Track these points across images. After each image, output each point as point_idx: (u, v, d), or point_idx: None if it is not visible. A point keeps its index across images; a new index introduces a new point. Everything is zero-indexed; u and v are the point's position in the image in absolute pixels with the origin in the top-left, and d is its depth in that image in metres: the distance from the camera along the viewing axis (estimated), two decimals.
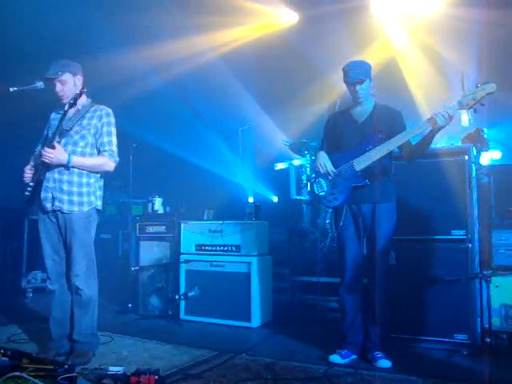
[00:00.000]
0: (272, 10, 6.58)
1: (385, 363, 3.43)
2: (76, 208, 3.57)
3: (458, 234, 3.81)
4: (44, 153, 3.42)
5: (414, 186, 3.96)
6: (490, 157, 5.75)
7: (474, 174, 3.82)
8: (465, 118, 5.25)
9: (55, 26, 5.76)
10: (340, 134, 3.76)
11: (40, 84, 3.59)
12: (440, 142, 4.05)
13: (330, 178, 3.69)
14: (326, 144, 3.88)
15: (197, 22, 6.29)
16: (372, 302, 3.60)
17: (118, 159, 3.73)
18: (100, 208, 3.77)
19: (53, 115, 3.81)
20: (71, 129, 3.57)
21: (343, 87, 3.82)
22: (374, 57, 6.38)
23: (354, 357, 3.60)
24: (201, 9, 6.08)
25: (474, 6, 5.57)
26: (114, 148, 3.71)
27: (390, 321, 3.68)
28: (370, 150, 3.48)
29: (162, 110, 7.49)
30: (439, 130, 3.29)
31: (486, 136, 4.33)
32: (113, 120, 3.75)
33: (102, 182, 3.81)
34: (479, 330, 3.72)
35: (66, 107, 3.53)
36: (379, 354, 3.50)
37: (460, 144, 4.26)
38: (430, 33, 6.25)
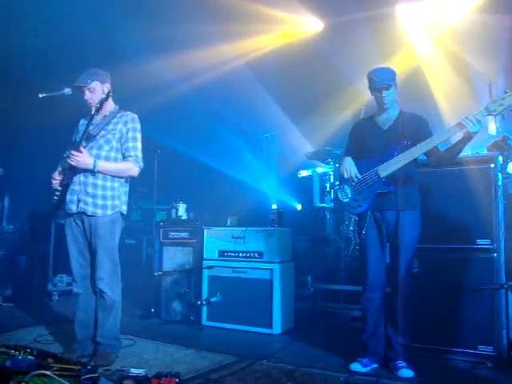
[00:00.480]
0: (297, 18, 6.61)
1: (407, 373, 3.39)
2: (99, 211, 3.64)
3: (483, 243, 3.74)
4: (71, 155, 3.51)
5: (438, 193, 3.92)
6: None
7: (500, 182, 3.75)
8: (492, 126, 5.19)
9: (85, 36, 5.91)
10: (365, 141, 3.74)
11: (68, 90, 3.68)
12: (465, 150, 3.99)
13: (353, 183, 3.67)
14: (351, 150, 3.85)
15: (223, 30, 6.36)
16: (395, 310, 3.56)
17: (142, 165, 3.79)
18: (125, 213, 3.83)
19: (81, 121, 3.91)
20: (97, 134, 3.65)
21: (368, 95, 3.82)
22: (399, 65, 6.37)
23: (375, 365, 3.56)
24: (227, 17, 6.15)
25: (501, 12, 5.51)
26: (139, 153, 3.77)
27: (414, 330, 3.63)
28: (395, 156, 3.47)
29: (188, 117, 7.59)
30: (471, 137, 3.25)
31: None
32: (138, 126, 3.81)
33: (127, 188, 3.87)
34: (505, 342, 3.63)
35: (93, 110, 3.61)
36: (401, 364, 3.45)
37: (486, 152, 4.20)
38: (455, 40, 6.20)
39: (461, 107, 5.99)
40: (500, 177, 3.77)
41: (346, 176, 3.70)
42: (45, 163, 6.31)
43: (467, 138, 3.27)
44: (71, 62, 3.95)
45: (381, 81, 3.53)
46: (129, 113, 3.82)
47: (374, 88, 3.58)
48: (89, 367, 2.85)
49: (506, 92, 3.12)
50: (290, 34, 6.87)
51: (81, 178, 3.64)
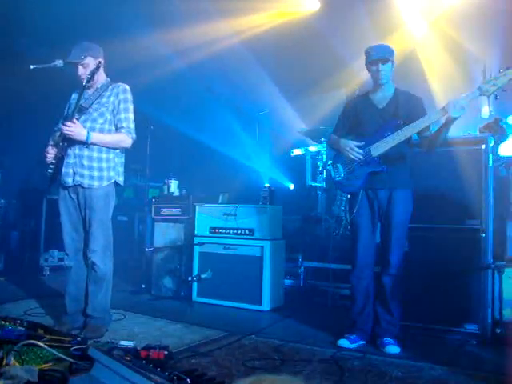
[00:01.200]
0: None
1: (393, 349, 3.44)
2: (96, 183, 3.65)
3: (472, 223, 3.78)
4: (64, 127, 3.50)
5: (429, 173, 3.94)
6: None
7: (490, 164, 3.77)
8: (485, 109, 5.19)
9: (81, 8, 5.83)
10: (359, 119, 3.73)
11: (59, 62, 3.64)
12: (457, 132, 4.00)
13: (348, 163, 3.67)
14: (343, 128, 3.84)
15: (220, 6, 6.31)
16: (384, 289, 3.60)
17: (135, 136, 3.79)
18: (122, 184, 3.85)
19: (73, 95, 3.89)
20: (90, 106, 3.63)
21: (363, 75, 3.82)
22: (395, 46, 6.33)
23: (362, 342, 3.61)
24: None
25: None
26: (131, 125, 3.76)
27: (402, 309, 3.68)
28: (387, 136, 3.46)
29: (182, 93, 7.53)
30: (453, 120, 3.24)
31: (504, 126, 4.26)
32: (130, 96, 3.79)
33: (123, 159, 3.88)
34: (489, 321, 3.69)
35: (84, 82, 3.59)
36: (388, 340, 3.51)
37: (478, 133, 4.21)
38: (451, 23, 6.16)
39: (454, 90, 5.98)
40: (491, 158, 3.78)
41: (352, 157, 3.60)
42: (36, 137, 6.27)
43: (450, 121, 3.26)
44: (66, 34, 3.90)
45: (378, 54, 3.53)
46: (120, 84, 3.80)
47: (370, 61, 3.56)
48: (78, 339, 2.88)
49: (499, 71, 3.12)
50: (286, 13, 6.84)
51: (76, 150, 3.64)
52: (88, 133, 3.55)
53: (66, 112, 3.86)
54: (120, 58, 5.38)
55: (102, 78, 3.79)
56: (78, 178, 3.63)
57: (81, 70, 3.67)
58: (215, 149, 7.73)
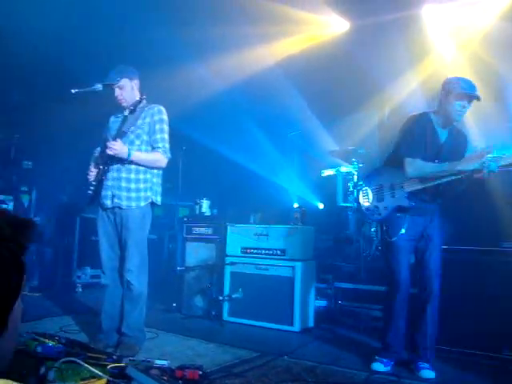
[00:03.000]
0: (323, 19, 6.63)
1: (429, 374, 3.39)
2: (134, 203, 3.73)
3: (508, 246, 3.72)
4: (109, 144, 3.59)
5: (464, 194, 3.87)
6: None
7: None
8: None
9: (125, 37, 6.04)
10: (424, 144, 3.49)
11: (98, 86, 3.76)
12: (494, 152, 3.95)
13: (379, 192, 3.68)
14: (421, 149, 3.48)
15: (256, 31, 6.42)
16: (425, 315, 3.53)
17: (170, 156, 3.88)
18: (159, 203, 3.92)
19: (112, 119, 3.99)
20: (128, 129, 3.72)
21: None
22: (426, 69, 6.37)
23: (392, 363, 3.57)
24: (260, 18, 6.21)
25: None
26: (167, 145, 3.85)
27: (439, 332, 3.62)
28: None
29: (215, 113, 7.62)
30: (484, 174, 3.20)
31: None
32: (165, 117, 3.88)
33: (159, 178, 3.95)
34: None
35: (127, 112, 3.75)
36: (423, 365, 3.45)
37: None
38: (483, 46, 6.13)
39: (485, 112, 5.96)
40: None
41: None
42: (71, 157, 6.45)
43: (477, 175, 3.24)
44: (111, 62, 4.06)
45: (471, 90, 3.31)
46: (155, 105, 3.88)
47: (459, 93, 3.32)
48: (114, 357, 2.92)
49: None
50: (317, 35, 6.89)
51: (114, 174, 3.75)
52: (129, 149, 3.66)
53: (104, 135, 3.97)
54: (161, 81, 5.58)
55: (137, 99, 3.89)
56: (116, 200, 3.73)
57: (117, 91, 3.79)
58: (247, 168, 7.78)
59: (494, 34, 5.87)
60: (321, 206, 7.62)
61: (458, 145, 3.56)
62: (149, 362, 2.92)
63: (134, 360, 3.00)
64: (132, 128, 3.75)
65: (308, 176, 7.85)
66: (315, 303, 5.01)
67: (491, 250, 3.79)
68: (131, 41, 6.02)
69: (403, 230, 3.51)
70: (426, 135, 3.49)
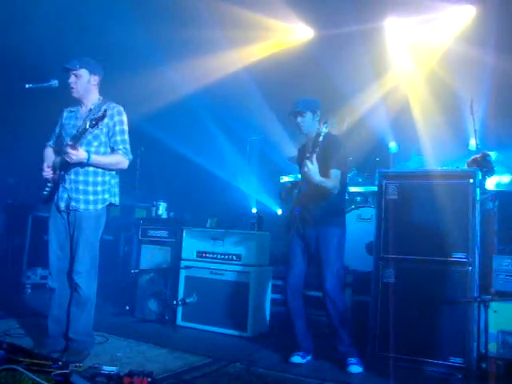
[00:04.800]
0: (290, 27, 6.68)
1: (356, 369, 3.66)
2: (91, 206, 3.64)
3: (458, 256, 3.81)
4: (68, 152, 3.45)
5: (417, 205, 3.98)
6: (497, 181, 5.78)
7: (477, 197, 3.82)
8: (472, 142, 5.29)
9: (98, 35, 5.93)
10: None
11: (55, 82, 3.64)
12: (446, 165, 4.07)
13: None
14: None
15: (224, 35, 6.42)
16: (333, 316, 3.85)
17: (131, 157, 3.81)
18: (117, 203, 3.84)
19: (65, 114, 3.86)
20: (86, 131, 3.58)
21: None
22: (388, 83, 6.51)
23: (309, 357, 3.94)
24: (229, 23, 6.23)
25: (479, 44, 5.68)
26: (128, 146, 3.77)
27: (385, 340, 3.81)
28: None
29: (180, 116, 7.53)
30: None
31: (491, 161, 4.34)
32: (125, 118, 3.79)
33: (118, 179, 3.87)
34: (475, 355, 3.69)
35: (83, 110, 3.70)
36: (351, 360, 3.71)
37: (466, 167, 4.27)
38: (439, 64, 6.32)
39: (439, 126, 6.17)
40: (478, 192, 3.83)
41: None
42: (22, 155, 6.23)
43: None
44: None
45: (294, 108, 4.01)
46: (114, 105, 3.78)
47: (289, 114, 4.07)
48: (60, 363, 2.82)
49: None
50: (283, 42, 6.94)
51: (71, 176, 3.64)
52: (88, 154, 3.55)
53: (57, 130, 3.85)
54: (127, 80, 5.48)
55: (95, 97, 3.79)
56: (73, 203, 3.62)
57: (73, 78, 3.67)
58: (207, 172, 7.73)
59: (451, 53, 6.06)
60: (279, 211, 7.64)
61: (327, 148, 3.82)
62: (96, 368, 2.83)
63: (80, 366, 2.90)
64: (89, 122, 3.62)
65: (268, 181, 7.86)
66: (270, 309, 5.00)
67: (443, 260, 3.86)
68: (99, 40, 5.92)
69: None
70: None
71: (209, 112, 7.81)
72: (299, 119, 3.96)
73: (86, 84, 3.69)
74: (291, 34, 6.78)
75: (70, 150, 3.46)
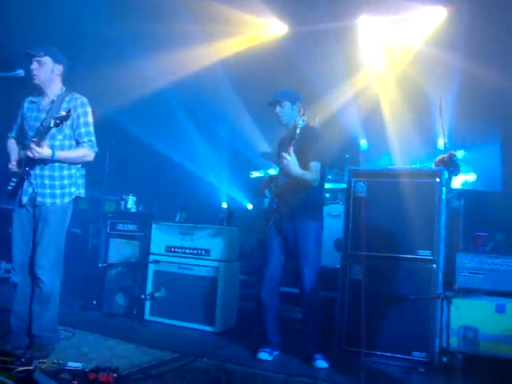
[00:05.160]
0: (264, 22, 6.67)
1: (322, 364, 3.74)
2: (58, 200, 3.57)
3: (424, 254, 3.89)
4: (32, 149, 3.38)
5: (385, 203, 4.04)
6: (464, 179, 5.93)
7: (443, 196, 3.90)
8: (441, 141, 5.40)
9: (70, 30, 5.82)
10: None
11: (21, 72, 3.53)
12: (414, 164, 4.14)
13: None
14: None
15: (199, 29, 6.37)
16: (306, 310, 3.96)
17: (97, 149, 3.73)
18: (83, 195, 3.77)
19: (26, 105, 3.74)
20: (50, 126, 3.48)
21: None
22: (360, 82, 6.57)
23: (276, 353, 3.95)
24: (203, 17, 6.17)
25: (448, 48, 5.79)
26: (93, 138, 3.69)
27: (352, 335, 3.89)
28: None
29: (152, 109, 7.44)
30: None
31: (457, 161, 4.43)
32: (89, 109, 3.70)
33: (83, 171, 3.80)
34: (437, 349, 3.79)
35: (46, 101, 3.58)
36: (317, 356, 3.78)
37: (433, 166, 4.35)
38: (410, 65, 6.42)
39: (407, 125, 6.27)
40: (444, 191, 3.91)
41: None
42: None
43: None
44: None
45: (273, 97, 4.00)
46: (77, 96, 3.69)
47: (269, 105, 4.05)
48: (23, 360, 2.76)
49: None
50: (257, 37, 6.92)
51: (37, 170, 3.55)
52: (53, 151, 3.47)
53: (19, 121, 3.75)
54: (101, 72, 5.51)
55: (57, 87, 3.69)
56: (39, 198, 3.54)
57: (35, 65, 3.55)
58: (177, 165, 7.66)
59: (422, 54, 6.16)
60: (250, 206, 7.65)
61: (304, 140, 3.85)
62: (60, 364, 2.80)
63: (44, 362, 2.87)
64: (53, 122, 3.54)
65: (239, 176, 7.86)
66: (238, 304, 5.01)
67: (409, 257, 3.93)
68: (71, 31, 5.80)
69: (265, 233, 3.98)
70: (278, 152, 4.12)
71: (181, 106, 7.75)
72: (278, 109, 3.95)
73: (48, 72, 3.59)
74: (265, 29, 6.76)
75: (34, 147, 3.38)
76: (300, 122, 3.86)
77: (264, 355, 3.84)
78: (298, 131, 3.76)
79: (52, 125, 3.36)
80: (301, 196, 3.85)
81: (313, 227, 3.91)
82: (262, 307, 3.98)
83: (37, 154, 3.39)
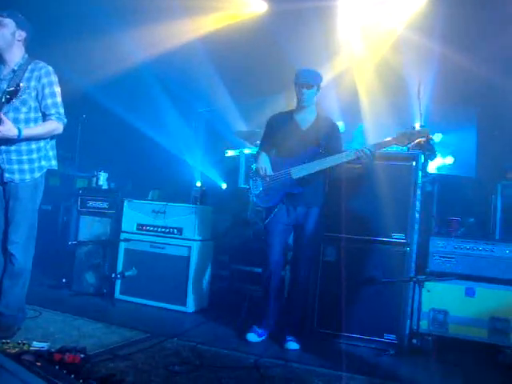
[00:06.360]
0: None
1: (293, 345, 3.76)
2: (28, 176, 3.42)
3: (397, 237, 3.91)
4: None
5: (360, 186, 4.02)
6: (441, 162, 5.96)
7: (419, 180, 3.90)
8: (417, 125, 5.39)
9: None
10: (283, 137, 3.95)
11: None
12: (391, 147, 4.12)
13: (267, 180, 3.92)
14: (266, 143, 4.09)
15: (179, 4, 6.19)
16: (289, 293, 4.02)
17: (66, 120, 3.54)
18: (56, 167, 3.63)
19: None
20: (12, 99, 3.24)
21: None
22: (340, 64, 6.52)
23: (265, 336, 3.93)
24: None
25: (428, 34, 5.77)
26: (61, 109, 3.50)
27: (324, 317, 3.97)
28: (307, 162, 3.76)
29: (129, 83, 7.25)
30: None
31: (434, 145, 4.43)
32: (54, 78, 3.49)
33: (53, 141, 3.62)
34: (407, 332, 3.83)
35: (6, 71, 3.40)
36: (289, 338, 3.80)
37: (409, 150, 4.34)
38: (390, 46, 6.39)
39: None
40: (420, 175, 3.91)
41: (261, 173, 3.94)
42: None
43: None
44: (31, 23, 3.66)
45: (304, 79, 3.80)
46: (42, 65, 3.48)
47: (296, 83, 3.83)
48: None
49: (413, 128, 3.54)
50: (237, 14, 6.80)
51: (2, 146, 3.36)
52: (19, 130, 3.28)
53: None
54: (80, 45, 5.42)
55: (19, 55, 3.47)
56: (7, 174, 3.38)
57: None
58: (151, 141, 7.51)
59: (400, 38, 6.13)
60: (224, 186, 7.58)
61: (326, 131, 3.88)
62: (24, 344, 2.72)
63: (8, 343, 2.77)
64: (4, 97, 3.26)
65: (214, 155, 7.77)
66: (211, 285, 4.97)
67: (383, 240, 3.95)
68: (46, 3, 5.55)
69: (269, 218, 3.88)
70: (276, 131, 3.98)
71: (158, 82, 7.58)
72: (304, 90, 3.80)
73: (9, 36, 3.37)
74: (245, 5, 6.64)
75: None
76: (314, 108, 3.92)
77: (252, 336, 3.86)
78: (313, 117, 3.89)
79: (3, 100, 3.19)
80: (314, 183, 3.87)
81: (320, 214, 3.92)
82: (268, 292, 3.96)
83: (2, 132, 3.21)
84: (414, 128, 3.54)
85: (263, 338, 3.90)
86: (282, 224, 3.89)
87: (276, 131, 4.00)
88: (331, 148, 3.79)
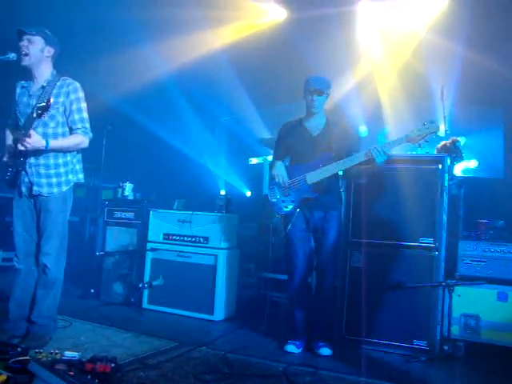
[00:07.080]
0: (263, 7, 6.57)
1: (326, 351, 3.73)
2: (55, 189, 3.50)
3: (426, 241, 3.85)
4: (24, 143, 3.28)
5: (386, 190, 3.98)
6: (465, 166, 5.87)
7: (446, 183, 3.85)
8: (442, 128, 5.33)
9: (75, 17, 5.77)
10: (293, 144, 3.99)
11: (13, 55, 3.44)
12: (415, 150, 4.07)
13: (283, 188, 3.91)
14: (281, 154, 4.11)
15: (200, 15, 6.27)
16: (317, 298, 3.96)
17: (91, 135, 3.63)
18: (82, 181, 3.71)
19: (18, 90, 3.64)
20: (42, 114, 3.34)
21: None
22: (363, 70, 6.50)
23: (303, 346, 3.88)
24: (205, 3, 6.07)
25: (450, 37, 5.72)
26: (87, 124, 3.60)
27: (352, 323, 3.90)
28: (321, 167, 3.76)
29: (153, 95, 7.34)
30: (377, 163, 3.62)
31: (460, 147, 4.37)
32: (81, 94, 3.59)
33: (80, 155, 3.72)
34: (438, 338, 3.77)
35: (36, 86, 3.49)
36: (321, 343, 3.79)
37: (435, 153, 4.29)
38: (412, 50, 6.34)
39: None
40: (446, 178, 3.86)
41: (277, 181, 3.95)
42: None
43: (374, 164, 3.65)
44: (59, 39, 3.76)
45: (314, 85, 3.82)
46: (70, 81, 3.58)
47: (307, 90, 3.85)
48: (19, 349, 2.73)
49: (424, 124, 3.48)
50: (257, 23, 6.84)
51: (31, 160, 3.46)
52: (46, 141, 3.37)
53: (14, 108, 3.66)
54: (105, 59, 5.55)
55: (47, 71, 3.57)
56: (35, 188, 3.47)
57: (25, 42, 3.44)
58: (176, 152, 7.58)
59: (423, 41, 6.09)
60: (248, 193, 7.59)
61: (338, 134, 3.88)
62: (57, 354, 2.75)
63: (41, 352, 2.82)
64: (35, 112, 3.37)
65: (238, 163, 7.79)
66: (237, 292, 4.97)
67: (410, 244, 3.89)
68: (71, 17, 5.69)
69: (289, 226, 3.88)
70: (288, 139, 4.02)
71: (181, 92, 7.66)
72: (316, 97, 3.82)
73: (38, 52, 3.47)
74: (265, 14, 6.67)
75: (25, 140, 3.27)
76: (323, 113, 3.94)
77: (292, 348, 3.80)
78: (323, 123, 3.90)
79: (35, 115, 3.28)
80: (332, 188, 3.91)
81: (340, 217, 3.96)
82: (294, 302, 3.97)
83: (28, 146, 3.29)
84: (423, 124, 3.47)
85: (301, 348, 3.84)
86: (301, 231, 3.90)
87: (288, 139, 4.03)
88: (344, 150, 3.78)
